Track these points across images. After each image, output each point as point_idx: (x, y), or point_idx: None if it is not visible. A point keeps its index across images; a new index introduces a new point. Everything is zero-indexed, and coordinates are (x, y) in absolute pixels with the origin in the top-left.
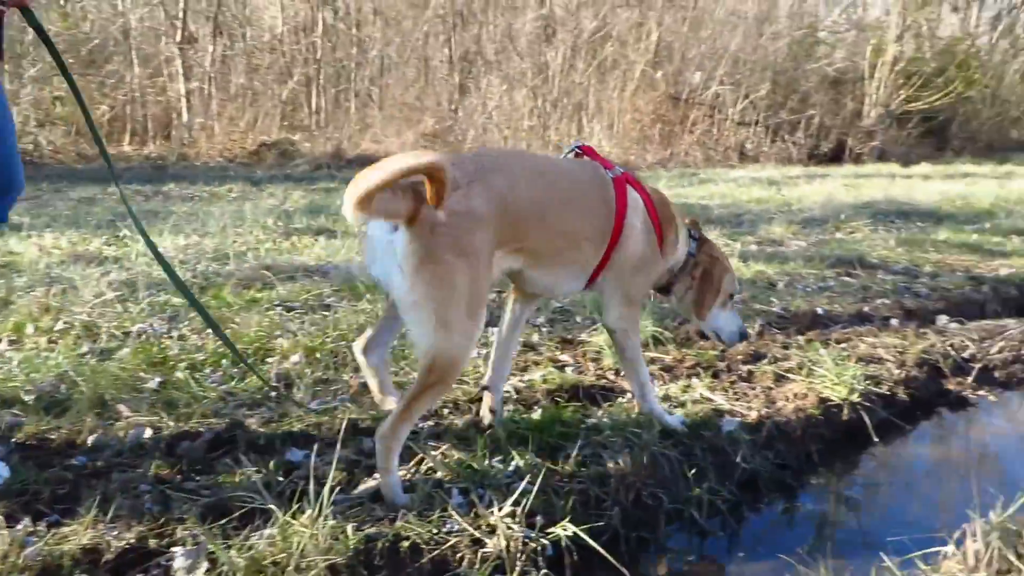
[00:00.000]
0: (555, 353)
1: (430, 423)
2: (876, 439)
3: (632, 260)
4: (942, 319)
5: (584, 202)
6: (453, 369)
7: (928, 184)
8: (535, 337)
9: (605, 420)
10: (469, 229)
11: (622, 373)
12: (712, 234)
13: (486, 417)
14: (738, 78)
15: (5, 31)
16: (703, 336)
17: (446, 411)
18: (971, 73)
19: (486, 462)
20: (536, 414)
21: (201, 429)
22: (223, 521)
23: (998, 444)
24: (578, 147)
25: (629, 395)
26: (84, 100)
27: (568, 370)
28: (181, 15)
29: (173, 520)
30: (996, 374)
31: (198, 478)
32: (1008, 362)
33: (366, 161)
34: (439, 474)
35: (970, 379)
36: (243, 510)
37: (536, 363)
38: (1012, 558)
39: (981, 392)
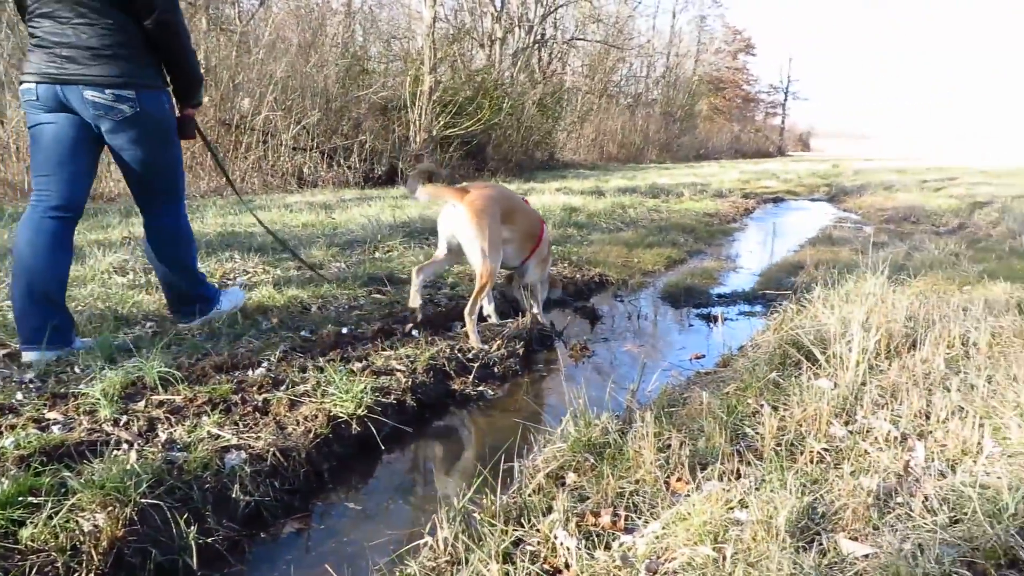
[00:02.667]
0: (41, 412)
1: None
2: (384, 448)
3: (543, 254)
4: (457, 325)
5: (528, 216)
6: (491, 276)
7: None
8: (19, 396)
9: (93, 478)
10: (491, 207)
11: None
12: (253, 261)
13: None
14: (289, 104)
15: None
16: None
17: None
18: (497, 102)
19: None
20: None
21: None
22: None
23: (489, 432)
24: None
25: (125, 446)
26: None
27: (55, 429)
28: None
29: None
30: (495, 370)
31: None
32: (504, 357)
33: None
34: None
35: (471, 377)
36: None
37: (12, 427)
38: (469, 541)
39: (481, 388)
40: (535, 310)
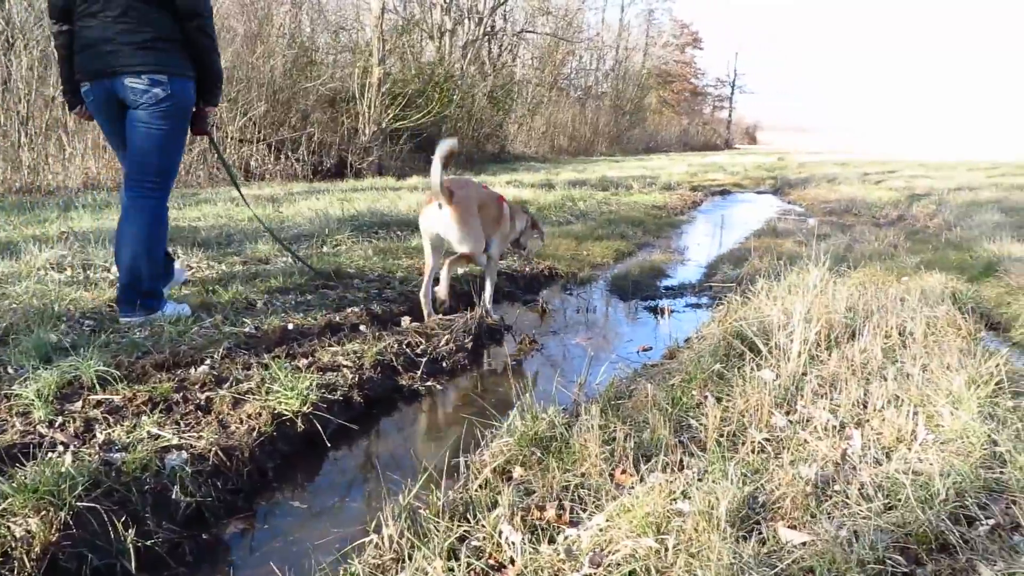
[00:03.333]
0: None
1: None
2: (330, 445)
3: (503, 233)
4: (406, 320)
5: (492, 202)
6: (478, 256)
7: (413, 195)
8: None
9: (25, 482)
10: (473, 207)
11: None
12: (196, 257)
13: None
14: (235, 95)
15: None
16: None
17: None
18: (448, 94)
19: None
20: None
21: None
22: None
23: (437, 428)
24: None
25: (61, 448)
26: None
27: None
28: None
29: None
30: (443, 364)
31: None
32: (452, 352)
33: None
34: None
35: (419, 372)
36: None
37: None
38: (413, 538)
39: (430, 382)
40: (486, 300)
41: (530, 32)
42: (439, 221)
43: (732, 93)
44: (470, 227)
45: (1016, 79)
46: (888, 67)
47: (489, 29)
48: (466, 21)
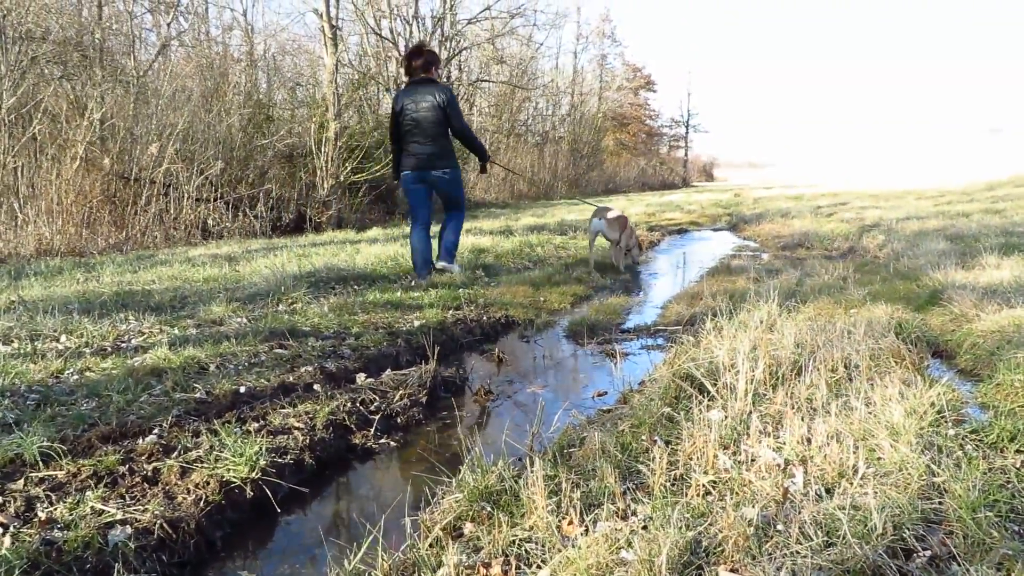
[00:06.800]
0: None
1: None
2: (280, 510)
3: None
4: (361, 377)
5: (621, 217)
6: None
7: (372, 248)
8: None
9: None
10: (621, 218)
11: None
12: (149, 321)
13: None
14: (190, 155)
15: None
16: None
17: None
18: None
19: None
20: None
21: None
22: None
23: (390, 486)
24: None
25: (0, 530)
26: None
27: None
28: None
29: None
30: (398, 420)
31: None
32: (407, 407)
33: None
34: None
35: (372, 430)
36: None
37: None
38: None
39: (384, 439)
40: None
41: (486, 81)
42: (603, 225)
43: (687, 133)
44: (618, 230)
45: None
46: (839, 99)
47: (445, 80)
48: None
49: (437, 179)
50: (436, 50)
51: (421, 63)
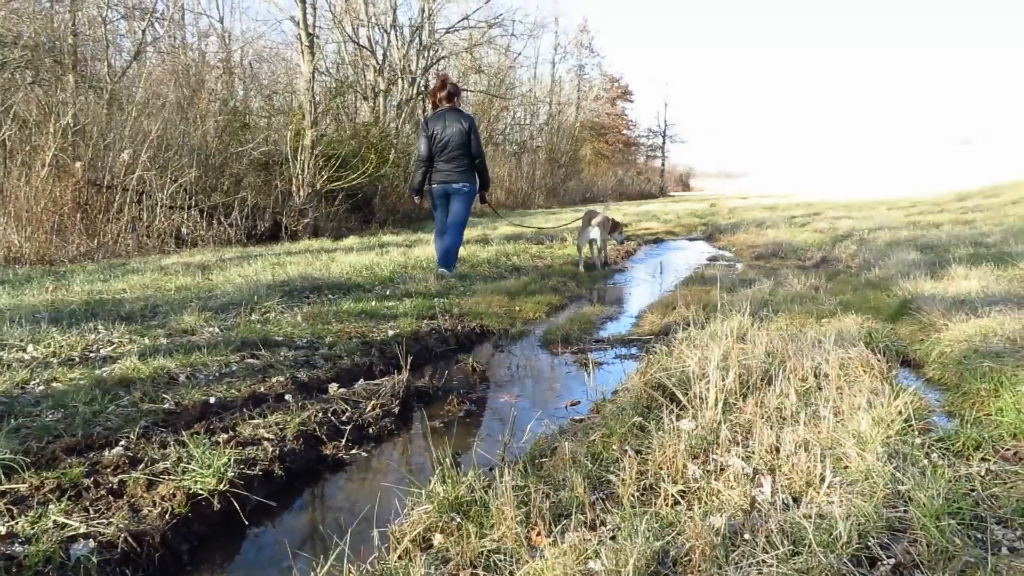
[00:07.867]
0: None
1: None
2: (248, 523)
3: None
4: (333, 387)
5: (609, 220)
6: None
7: (347, 256)
8: None
9: None
10: (607, 223)
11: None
12: (119, 331)
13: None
14: (164, 162)
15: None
16: None
17: None
18: (383, 154)
19: None
20: None
21: None
22: None
23: (360, 498)
24: None
25: None
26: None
27: None
28: None
29: None
30: (370, 431)
31: None
32: (379, 418)
33: None
34: None
35: (344, 440)
36: None
37: None
38: None
39: (355, 450)
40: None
41: (464, 90)
42: (595, 231)
43: (664, 142)
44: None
45: (927, 119)
46: (814, 110)
47: (423, 88)
48: (400, 81)
49: (456, 191)
50: (414, 60)
51: (446, 94)
